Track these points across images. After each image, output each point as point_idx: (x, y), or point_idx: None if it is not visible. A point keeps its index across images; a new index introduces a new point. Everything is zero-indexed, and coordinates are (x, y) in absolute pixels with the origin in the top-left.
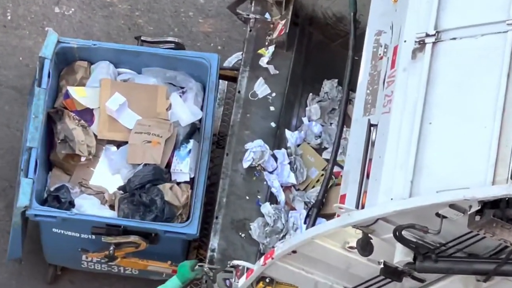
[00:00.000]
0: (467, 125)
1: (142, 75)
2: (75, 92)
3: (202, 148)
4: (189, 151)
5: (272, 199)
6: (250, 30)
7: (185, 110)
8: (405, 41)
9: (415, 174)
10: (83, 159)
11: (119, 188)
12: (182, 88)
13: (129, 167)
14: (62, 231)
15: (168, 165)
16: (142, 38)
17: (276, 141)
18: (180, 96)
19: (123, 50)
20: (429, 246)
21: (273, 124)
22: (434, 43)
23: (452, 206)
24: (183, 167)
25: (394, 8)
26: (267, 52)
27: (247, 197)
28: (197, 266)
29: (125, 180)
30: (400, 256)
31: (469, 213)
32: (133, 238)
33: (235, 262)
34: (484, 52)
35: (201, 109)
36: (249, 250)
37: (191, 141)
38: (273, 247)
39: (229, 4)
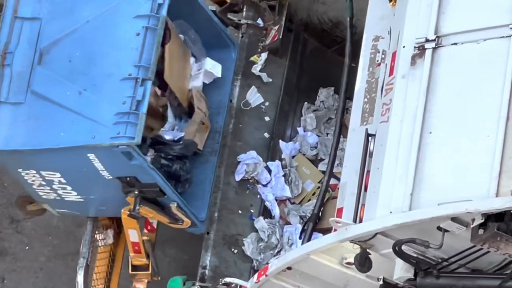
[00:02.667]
0: (469, 134)
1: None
2: None
3: (220, 142)
4: None
5: (266, 213)
6: (242, 36)
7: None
8: (404, 47)
9: (415, 186)
10: None
11: (152, 138)
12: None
13: (174, 123)
14: (97, 163)
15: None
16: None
17: (270, 152)
18: None
19: None
20: (430, 262)
21: (266, 135)
22: (434, 48)
23: (454, 219)
24: None
25: (393, 12)
26: (259, 59)
27: (240, 212)
28: (187, 282)
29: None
30: (400, 272)
31: (472, 226)
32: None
33: (227, 279)
34: (487, 58)
35: None
36: (242, 267)
37: None
38: (267, 263)
39: (220, 9)
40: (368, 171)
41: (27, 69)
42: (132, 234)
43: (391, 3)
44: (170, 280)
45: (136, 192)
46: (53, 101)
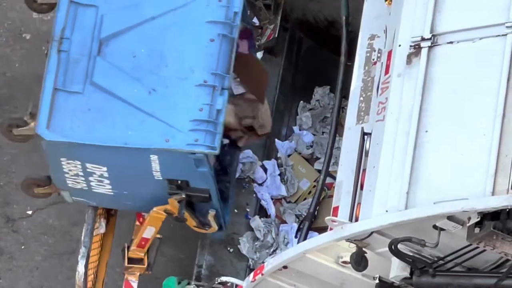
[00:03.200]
0: (465, 133)
1: None
2: None
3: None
4: None
5: (261, 212)
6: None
7: None
8: (399, 46)
9: (411, 185)
10: None
11: None
12: None
13: None
14: (156, 164)
15: None
16: None
17: (266, 151)
18: None
19: None
20: (426, 260)
21: None
22: (430, 47)
23: (450, 218)
24: None
25: (388, 11)
26: None
27: (236, 211)
28: (182, 281)
29: None
30: (396, 271)
31: (468, 225)
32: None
33: (223, 278)
34: (483, 56)
35: None
36: (238, 266)
37: None
38: (263, 262)
39: None
40: (364, 170)
41: (85, 57)
42: (149, 231)
43: (386, 2)
44: (166, 280)
45: (183, 196)
46: (118, 97)
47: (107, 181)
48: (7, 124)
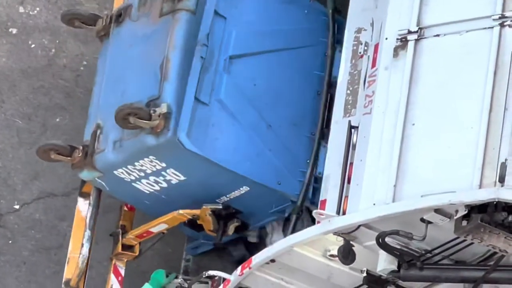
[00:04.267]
0: (453, 126)
1: None
2: None
3: None
4: None
5: None
6: None
7: None
8: (386, 39)
9: (398, 178)
10: None
11: None
12: None
13: None
14: (238, 192)
15: None
16: None
17: None
18: None
19: None
20: (414, 253)
21: None
22: (416, 40)
23: (438, 211)
24: None
25: (375, 4)
26: None
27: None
28: (170, 275)
29: None
30: (384, 264)
31: (455, 218)
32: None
33: (211, 272)
34: (469, 49)
35: None
36: (226, 260)
37: None
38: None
39: None
40: (351, 163)
41: (212, 69)
42: (160, 227)
43: None
44: (154, 273)
45: (220, 207)
46: (241, 122)
47: (164, 185)
48: (127, 112)
